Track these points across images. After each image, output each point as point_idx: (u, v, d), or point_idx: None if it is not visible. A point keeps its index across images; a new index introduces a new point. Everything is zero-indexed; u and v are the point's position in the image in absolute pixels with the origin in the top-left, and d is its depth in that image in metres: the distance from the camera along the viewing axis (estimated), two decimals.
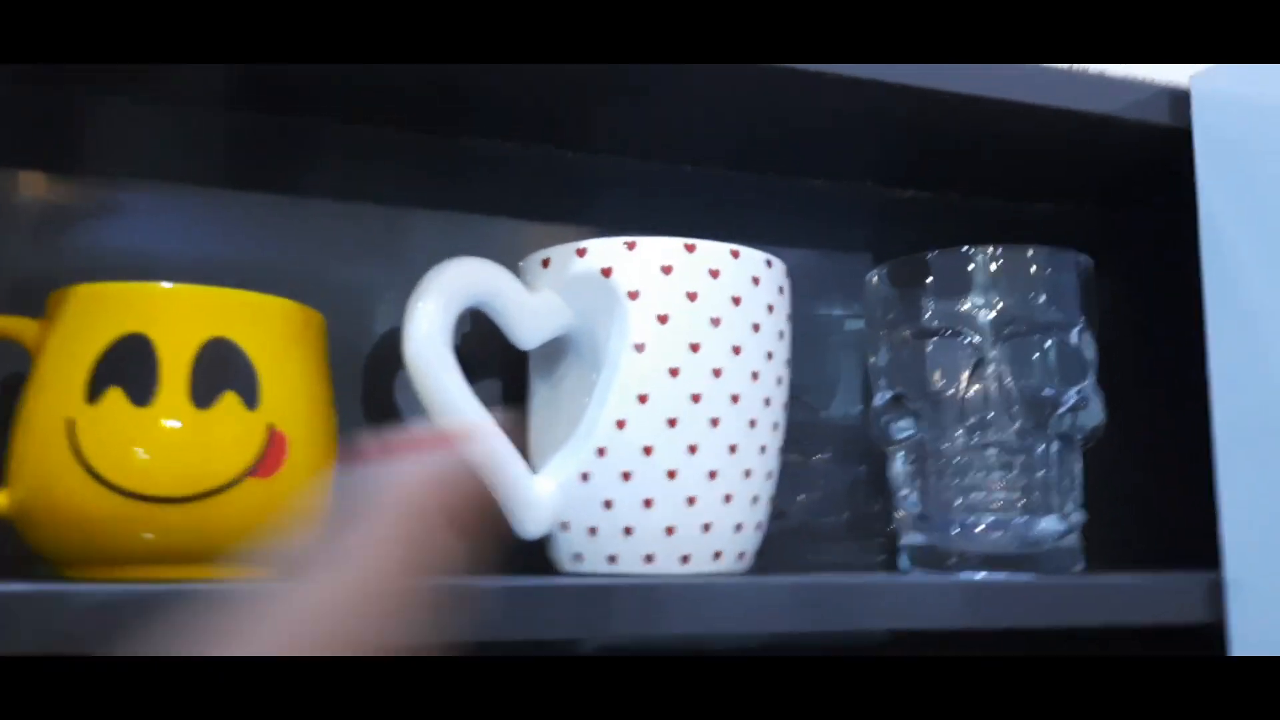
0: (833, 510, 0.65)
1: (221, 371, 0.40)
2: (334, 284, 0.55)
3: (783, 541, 0.63)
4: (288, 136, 0.56)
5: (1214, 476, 0.50)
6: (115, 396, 0.39)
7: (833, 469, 0.65)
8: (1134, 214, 0.66)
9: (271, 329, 0.42)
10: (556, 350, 0.49)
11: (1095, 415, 0.52)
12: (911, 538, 0.53)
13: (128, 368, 0.39)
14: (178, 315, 0.40)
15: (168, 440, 0.39)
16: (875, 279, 0.56)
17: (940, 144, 0.58)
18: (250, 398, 0.40)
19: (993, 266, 0.52)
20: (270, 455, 0.40)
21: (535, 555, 0.50)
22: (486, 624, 0.40)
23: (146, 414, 0.39)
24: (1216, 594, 0.50)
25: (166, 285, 0.40)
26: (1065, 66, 0.52)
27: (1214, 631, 0.50)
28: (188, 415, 0.39)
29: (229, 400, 0.40)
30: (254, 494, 0.40)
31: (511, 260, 0.49)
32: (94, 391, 0.39)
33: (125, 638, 0.34)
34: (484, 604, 0.40)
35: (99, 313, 0.40)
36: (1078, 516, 0.52)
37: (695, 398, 0.46)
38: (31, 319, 0.41)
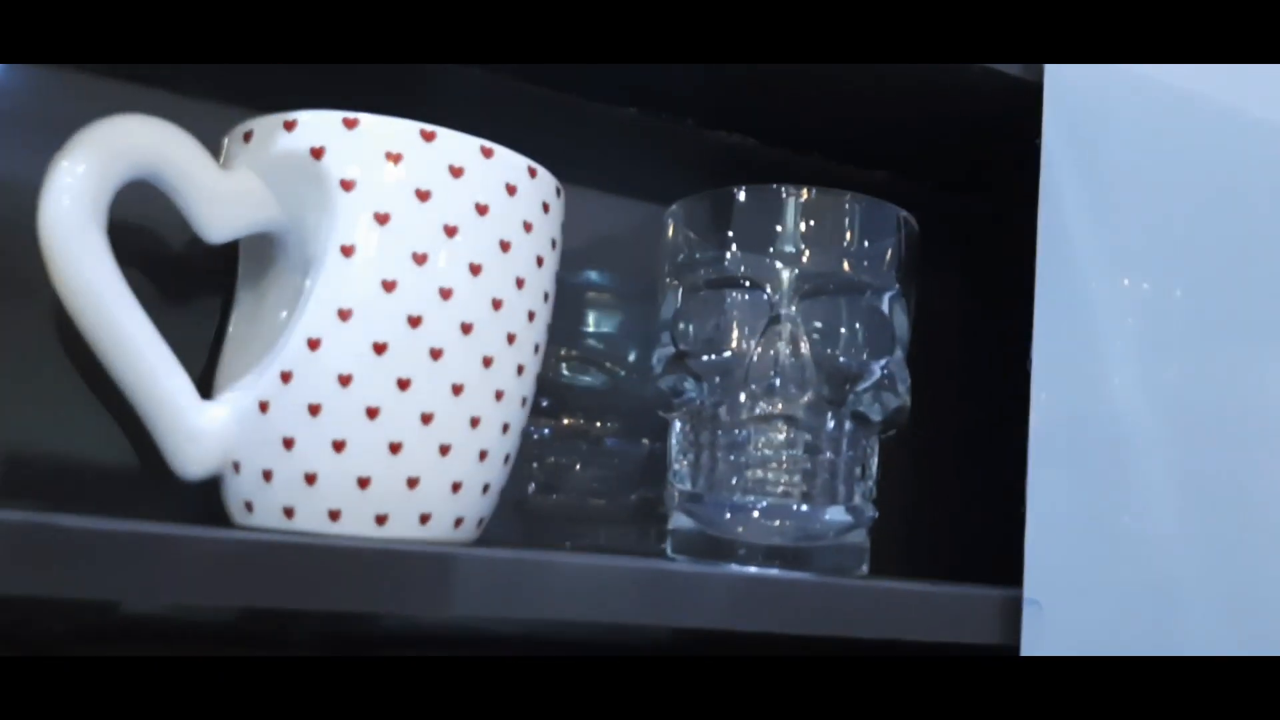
0: (618, 489, 0.57)
1: None
2: None
3: (555, 520, 0.55)
4: None
5: (1024, 486, 0.44)
6: None
7: (624, 443, 0.57)
8: (973, 198, 0.60)
9: None
10: (264, 251, 0.40)
11: (899, 397, 0.45)
12: (679, 520, 0.45)
13: None
14: None
15: None
16: (673, 216, 0.48)
17: (779, 91, 0.51)
18: None
19: (804, 211, 0.44)
20: None
21: (212, 500, 0.41)
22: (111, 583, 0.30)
23: None
24: (1013, 612, 0.43)
25: None
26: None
27: (1006, 654, 0.43)
28: None
29: None
30: None
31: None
32: None
33: None
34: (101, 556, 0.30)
35: None
36: (868, 511, 0.45)
37: (414, 321, 0.37)
38: None
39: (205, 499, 0.40)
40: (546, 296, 0.41)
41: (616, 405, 0.57)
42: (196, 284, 0.46)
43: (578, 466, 0.55)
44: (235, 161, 0.38)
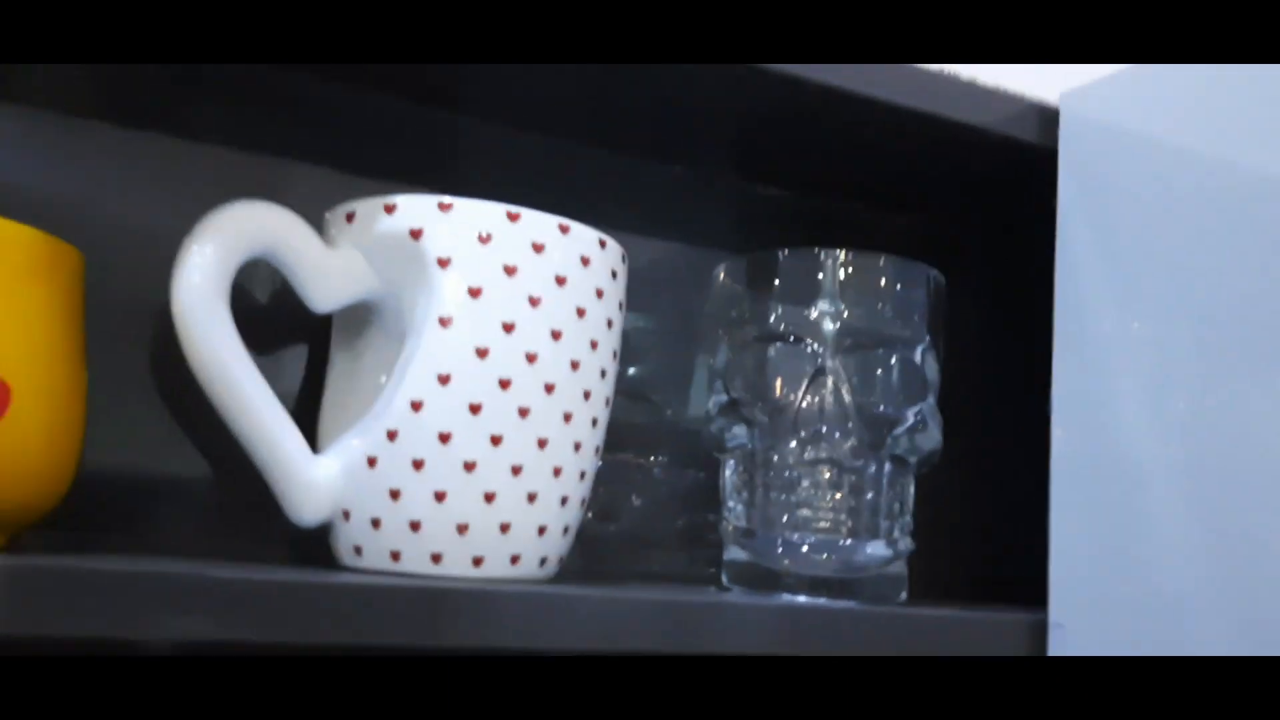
0: (667, 517, 0.61)
1: None
2: (107, 220, 0.48)
3: (612, 546, 0.59)
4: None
5: (1047, 514, 0.48)
6: None
7: (671, 473, 0.62)
8: (991, 231, 0.64)
9: (5, 260, 0.35)
10: (360, 318, 0.44)
11: (932, 439, 0.49)
12: (734, 553, 0.50)
13: None
14: None
15: None
16: (721, 274, 0.52)
17: (803, 140, 0.55)
18: None
19: (842, 272, 0.48)
20: None
21: (320, 545, 0.45)
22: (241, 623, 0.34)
23: None
24: (1039, 634, 0.48)
25: None
26: (936, 69, 0.50)
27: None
28: None
29: None
30: None
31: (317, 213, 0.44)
32: None
33: None
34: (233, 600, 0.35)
35: None
36: (905, 544, 0.49)
37: (504, 384, 0.41)
38: None
39: (301, 543, 0.45)
40: (615, 355, 0.46)
41: (663, 438, 0.61)
42: (285, 346, 0.51)
43: (631, 497, 0.60)
44: (339, 239, 0.43)
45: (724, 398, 0.50)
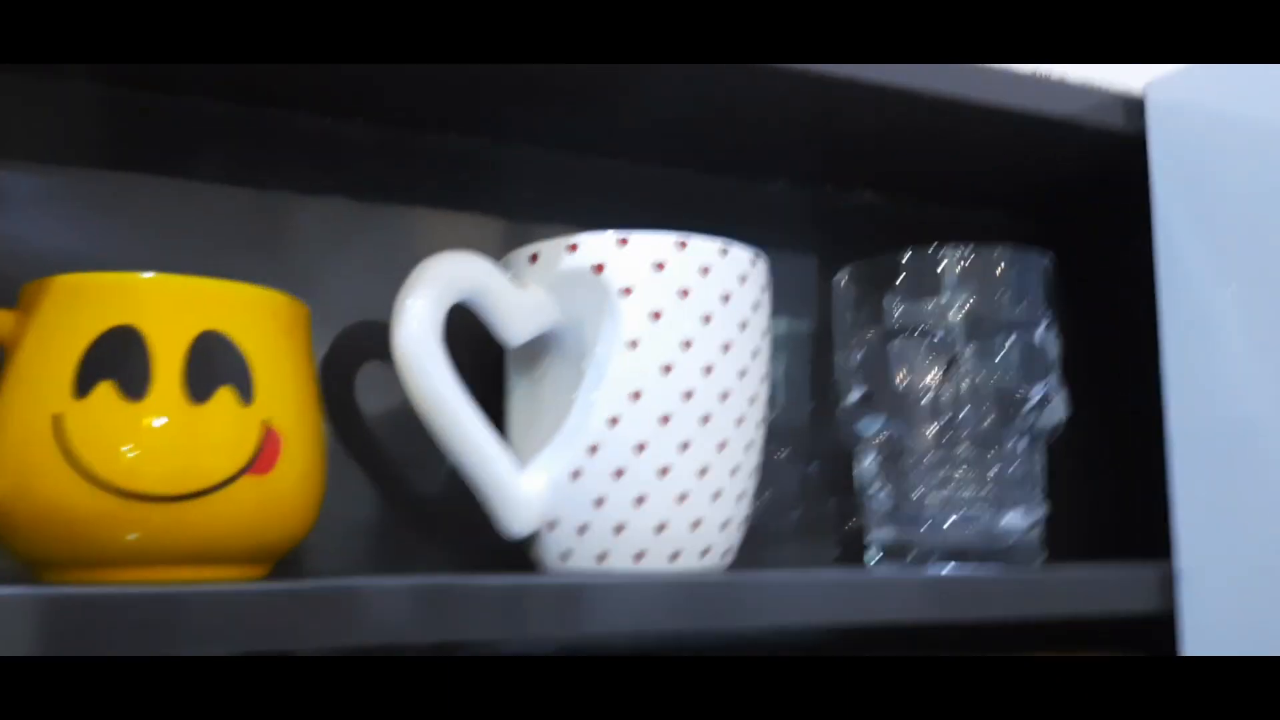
0: (786, 510, 0.66)
1: (215, 366, 0.38)
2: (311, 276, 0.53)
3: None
4: (173, 116, 0.52)
5: (1167, 472, 0.53)
6: (106, 391, 0.37)
7: (786, 468, 0.66)
8: (1087, 219, 0.69)
9: (263, 322, 0.40)
10: (537, 347, 0.49)
11: (1058, 412, 0.54)
12: (880, 533, 0.54)
13: (118, 361, 0.37)
14: (169, 307, 0.38)
15: (162, 436, 0.37)
16: (844, 279, 0.57)
17: (891, 145, 0.60)
18: (245, 393, 0.39)
19: (961, 266, 0.53)
20: (266, 452, 0.39)
21: (513, 556, 0.50)
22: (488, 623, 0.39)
23: (140, 408, 0.37)
24: (1169, 585, 0.52)
25: (153, 275, 0.38)
26: (1024, 69, 0.54)
27: (1166, 621, 0.52)
28: (183, 410, 0.37)
29: (224, 395, 0.38)
30: (249, 492, 0.38)
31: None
32: (83, 386, 0.37)
33: (119, 640, 0.33)
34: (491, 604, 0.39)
35: (84, 304, 0.38)
36: (1040, 510, 0.54)
37: (687, 395, 0.46)
38: (5, 309, 0.39)
39: (502, 555, 0.50)
40: (769, 361, 0.50)
41: (782, 435, 0.66)
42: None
43: (764, 490, 0.64)
44: (524, 278, 0.48)
45: (859, 393, 0.55)
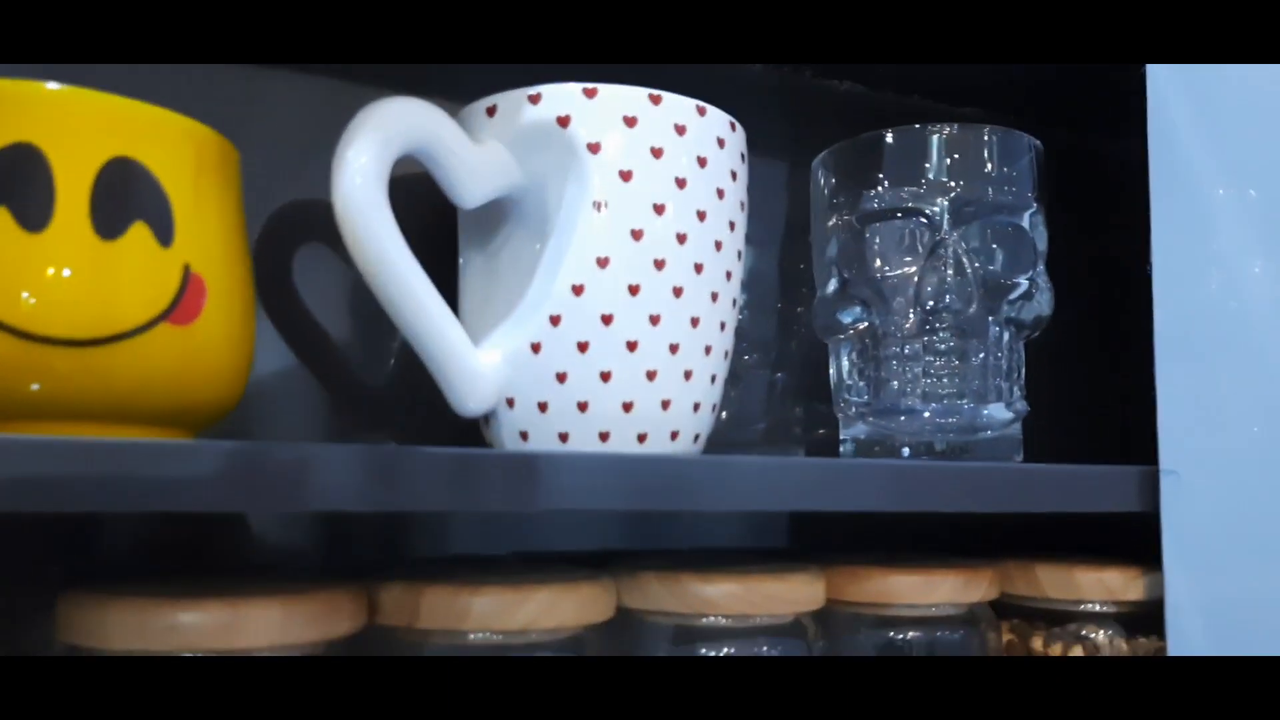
0: (753, 415, 0.63)
1: (129, 198, 0.34)
2: None
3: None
4: None
5: (1153, 374, 0.50)
6: (1, 218, 0.32)
7: (753, 374, 0.63)
8: (1076, 114, 0.66)
9: (186, 154, 0.36)
10: (493, 212, 0.45)
11: (1044, 304, 0.51)
12: (854, 429, 0.51)
13: (13, 186, 0.32)
14: (76, 125, 0.33)
15: (67, 272, 0.32)
16: (821, 165, 0.53)
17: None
18: (164, 232, 0.34)
19: (947, 146, 0.50)
20: (187, 300, 0.34)
21: (469, 438, 0.46)
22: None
23: (40, 240, 0.32)
24: (1151, 484, 0.50)
25: (59, 86, 0.33)
26: None
27: (1150, 522, 0.50)
28: (90, 245, 0.33)
29: (139, 232, 0.34)
30: (167, 342, 0.34)
31: None
32: None
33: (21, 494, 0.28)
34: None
35: None
36: (1021, 405, 0.51)
37: (658, 264, 0.42)
38: None
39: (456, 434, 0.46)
40: (745, 238, 0.47)
41: (748, 339, 0.62)
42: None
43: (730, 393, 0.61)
44: (481, 134, 0.43)
45: (837, 283, 0.52)
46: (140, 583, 0.37)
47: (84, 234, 0.33)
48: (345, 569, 0.43)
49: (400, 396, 0.52)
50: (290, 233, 0.51)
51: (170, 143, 0.35)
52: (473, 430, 0.45)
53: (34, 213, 0.32)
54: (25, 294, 0.32)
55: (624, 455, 0.39)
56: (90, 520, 0.45)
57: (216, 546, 0.48)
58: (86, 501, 0.28)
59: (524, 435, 0.43)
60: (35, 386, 0.32)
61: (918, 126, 0.50)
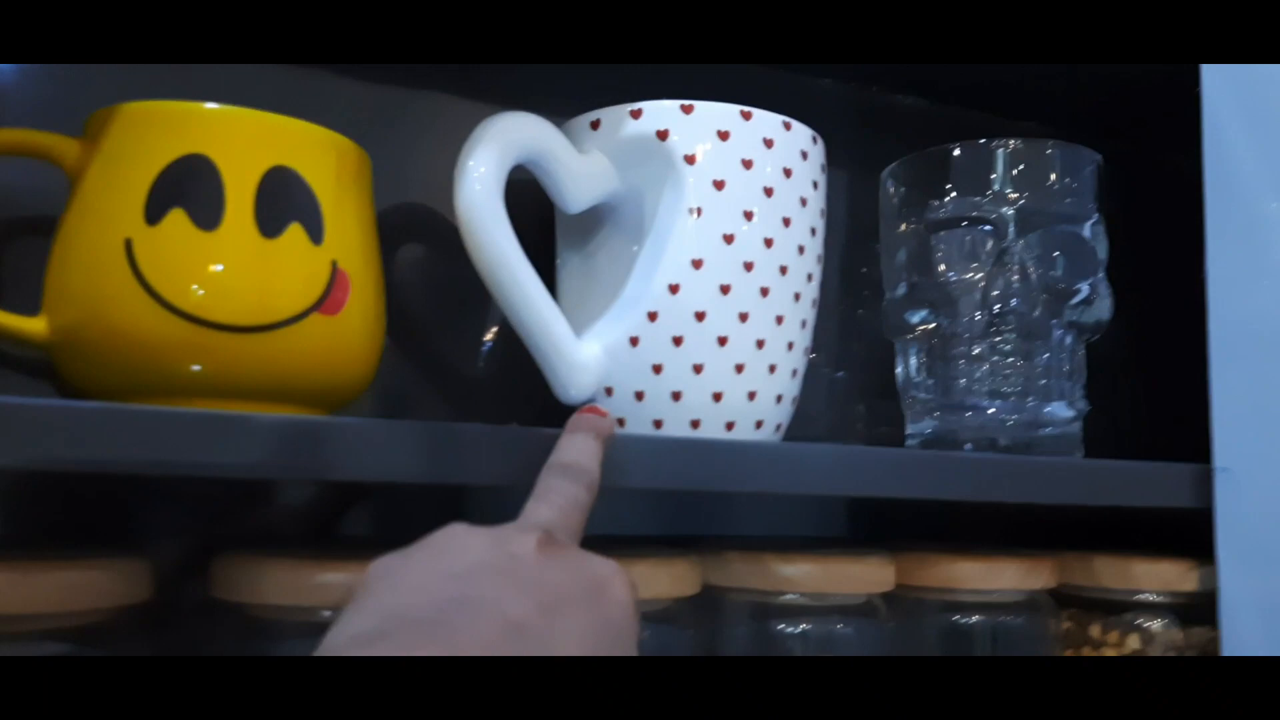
0: (817, 411, 0.66)
1: (286, 202, 0.38)
2: None
3: None
4: None
5: (1207, 377, 0.53)
6: (178, 218, 0.36)
7: (815, 372, 0.66)
8: (1135, 127, 0.68)
9: (330, 162, 0.40)
10: (591, 218, 0.48)
11: (1104, 308, 0.54)
12: (920, 425, 0.55)
13: (189, 190, 0.36)
14: (240, 138, 0.37)
15: (235, 266, 0.36)
16: (891, 175, 0.56)
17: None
18: (315, 231, 0.38)
19: (1013, 159, 0.53)
20: (335, 292, 0.38)
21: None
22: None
23: (213, 238, 0.36)
24: (1206, 481, 0.53)
25: (220, 106, 0.38)
26: None
27: (1203, 516, 0.53)
28: (255, 243, 0.37)
29: (295, 232, 0.38)
30: (317, 330, 0.38)
31: None
32: (153, 213, 0.36)
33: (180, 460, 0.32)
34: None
35: (155, 131, 0.37)
36: (1082, 404, 0.54)
37: (748, 266, 0.46)
38: (71, 138, 0.38)
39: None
40: (824, 242, 0.50)
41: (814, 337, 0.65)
42: None
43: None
44: (585, 145, 0.47)
45: (906, 286, 0.55)
46: (285, 545, 0.41)
47: (250, 233, 0.37)
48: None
49: (497, 383, 0.55)
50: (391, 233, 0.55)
51: (319, 152, 0.39)
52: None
53: (207, 214, 0.36)
54: (195, 285, 0.36)
55: (714, 440, 0.43)
56: (240, 486, 0.49)
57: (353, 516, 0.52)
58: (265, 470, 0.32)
59: (621, 422, 0.46)
60: (196, 368, 0.36)
61: (984, 141, 0.53)
